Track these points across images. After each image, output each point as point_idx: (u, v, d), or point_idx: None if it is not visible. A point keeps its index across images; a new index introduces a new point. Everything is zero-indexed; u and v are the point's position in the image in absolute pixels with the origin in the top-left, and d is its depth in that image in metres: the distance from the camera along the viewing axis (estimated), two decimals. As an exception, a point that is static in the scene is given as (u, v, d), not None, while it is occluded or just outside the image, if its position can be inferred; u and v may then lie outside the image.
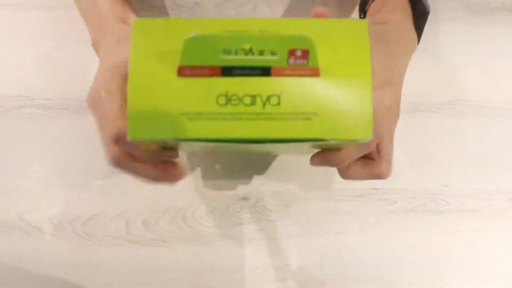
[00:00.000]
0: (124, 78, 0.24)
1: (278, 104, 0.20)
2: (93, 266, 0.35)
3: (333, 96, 0.20)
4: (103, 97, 0.26)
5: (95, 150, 0.40)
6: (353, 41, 0.20)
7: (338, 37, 0.20)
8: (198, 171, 0.40)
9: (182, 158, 0.40)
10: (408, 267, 0.37)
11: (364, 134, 0.20)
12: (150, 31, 0.21)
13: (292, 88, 0.20)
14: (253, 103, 0.20)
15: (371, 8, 0.35)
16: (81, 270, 0.35)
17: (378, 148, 0.29)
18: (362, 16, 0.37)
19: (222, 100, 0.20)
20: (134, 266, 0.36)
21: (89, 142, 0.40)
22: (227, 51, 0.19)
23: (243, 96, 0.20)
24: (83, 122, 0.41)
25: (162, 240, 0.37)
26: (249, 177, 0.40)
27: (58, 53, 0.44)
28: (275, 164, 0.40)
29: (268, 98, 0.20)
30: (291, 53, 0.19)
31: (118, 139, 0.24)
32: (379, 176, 0.30)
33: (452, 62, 0.48)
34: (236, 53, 0.19)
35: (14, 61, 0.43)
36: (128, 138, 0.20)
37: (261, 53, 0.19)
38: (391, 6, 0.33)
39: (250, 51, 0.19)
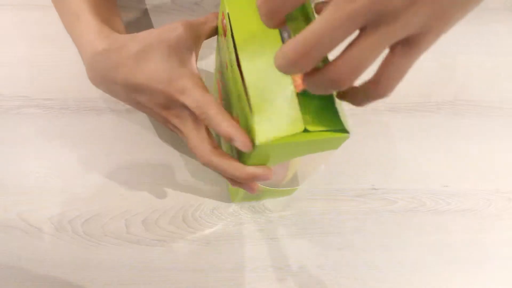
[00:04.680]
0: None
1: None
2: (93, 266, 0.35)
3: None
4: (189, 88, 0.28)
5: (95, 150, 0.40)
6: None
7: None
8: (198, 171, 0.40)
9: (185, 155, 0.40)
10: (408, 267, 0.38)
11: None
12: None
13: None
14: None
15: None
16: (81, 270, 0.35)
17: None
18: None
19: None
20: (134, 266, 0.36)
21: (89, 142, 0.40)
22: None
23: None
24: (83, 122, 0.41)
25: (162, 240, 0.37)
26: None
27: (58, 53, 0.44)
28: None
29: None
30: None
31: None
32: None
33: (452, 62, 0.48)
34: None
35: (14, 61, 0.43)
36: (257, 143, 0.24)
37: None
38: None
39: None
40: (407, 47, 0.20)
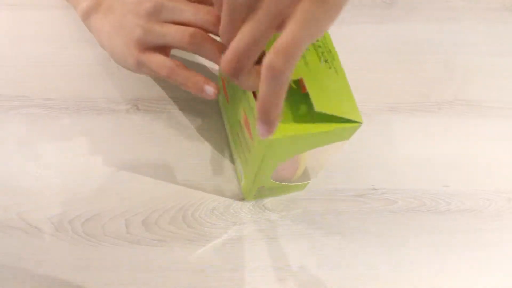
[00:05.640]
0: None
1: None
2: (93, 266, 0.35)
3: None
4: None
5: (95, 150, 0.40)
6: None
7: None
8: (198, 171, 0.40)
9: (189, 151, 0.40)
10: (408, 267, 0.37)
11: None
12: None
13: None
14: None
15: None
16: (81, 270, 0.35)
17: None
18: None
19: None
20: (134, 266, 0.36)
21: (89, 142, 0.40)
22: None
23: None
24: (83, 122, 0.41)
25: (162, 240, 0.37)
26: (249, 177, 0.39)
27: (58, 53, 0.44)
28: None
29: None
30: None
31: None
32: None
33: (452, 62, 0.48)
34: None
35: (14, 61, 0.43)
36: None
37: None
38: None
39: None
40: None
